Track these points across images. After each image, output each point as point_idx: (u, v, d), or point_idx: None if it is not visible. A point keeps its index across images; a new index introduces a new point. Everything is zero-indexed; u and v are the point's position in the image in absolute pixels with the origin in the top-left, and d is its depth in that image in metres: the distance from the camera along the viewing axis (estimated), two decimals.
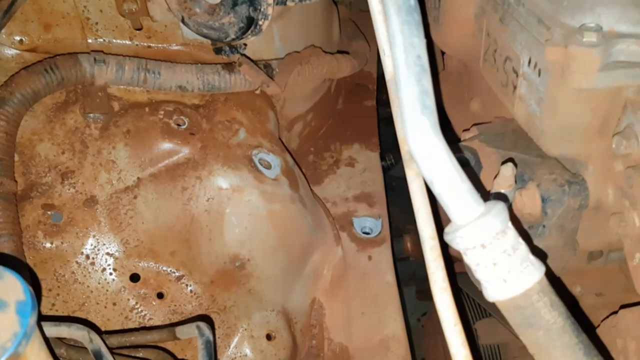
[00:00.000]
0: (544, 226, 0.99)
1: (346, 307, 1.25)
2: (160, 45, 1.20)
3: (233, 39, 1.01)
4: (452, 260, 1.22)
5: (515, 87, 1.02)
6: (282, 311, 1.19)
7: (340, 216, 1.39)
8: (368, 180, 1.48)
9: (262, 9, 0.95)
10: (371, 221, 1.39)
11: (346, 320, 1.24)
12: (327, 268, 1.28)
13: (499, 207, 0.65)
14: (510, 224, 0.66)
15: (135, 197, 1.08)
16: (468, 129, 1.22)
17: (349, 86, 1.69)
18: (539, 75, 0.92)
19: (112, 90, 1.13)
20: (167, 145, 1.09)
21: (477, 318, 1.60)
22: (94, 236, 1.06)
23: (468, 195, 0.65)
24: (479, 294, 1.56)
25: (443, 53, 1.77)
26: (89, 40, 1.16)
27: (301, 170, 1.28)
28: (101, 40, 1.17)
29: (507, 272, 0.65)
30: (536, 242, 0.99)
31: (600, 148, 0.96)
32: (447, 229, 0.68)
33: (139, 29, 1.17)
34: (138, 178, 1.08)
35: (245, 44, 1.08)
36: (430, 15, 1.34)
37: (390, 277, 1.29)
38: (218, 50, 1.10)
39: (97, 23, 1.15)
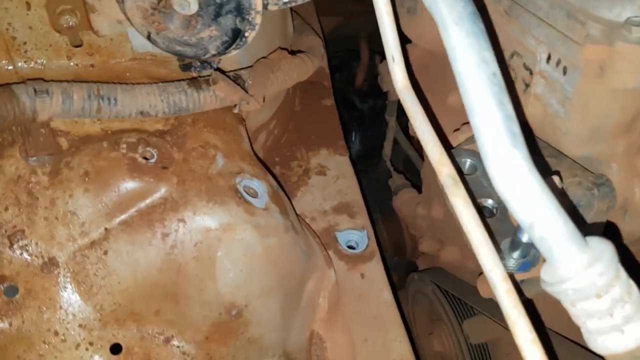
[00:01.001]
0: None
1: (347, 335, 1.14)
2: (105, 62, 1.00)
3: (213, 55, 0.85)
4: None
5: (527, 85, 0.93)
6: (284, 354, 1.05)
7: (321, 232, 1.27)
8: (343, 188, 1.36)
9: (249, 19, 0.78)
10: (356, 234, 1.28)
11: (349, 351, 1.13)
12: (323, 295, 1.15)
13: (610, 249, 0.55)
14: (619, 264, 0.56)
15: (105, 253, 0.89)
16: (458, 129, 1.14)
17: (303, 85, 1.55)
18: (565, 73, 0.84)
19: (55, 124, 0.93)
20: (137, 185, 0.90)
21: (462, 317, 1.54)
22: (60, 307, 0.87)
23: (574, 239, 0.55)
24: (461, 290, 1.49)
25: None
26: (18, 64, 0.94)
27: (282, 188, 1.14)
28: (32, 63, 0.95)
29: (624, 322, 0.55)
30: None
31: (624, 146, 0.90)
32: (546, 278, 0.58)
33: (79, 46, 0.97)
34: (106, 229, 0.90)
35: (220, 58, 0.91)
36: (403, 6, 1.23)
37: (387, 294, 1.19)
38: (186, 67, 0.92)
39: (25, 43, 0.93)
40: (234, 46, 0.82)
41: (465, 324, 1.51)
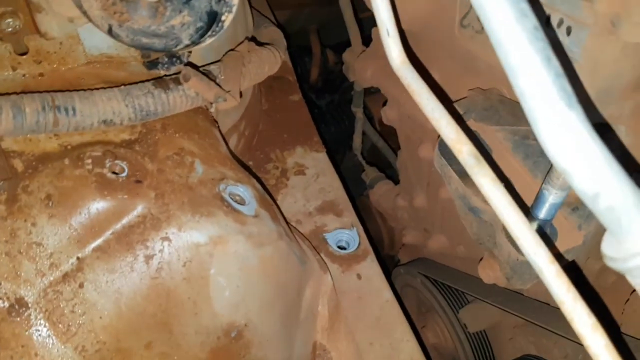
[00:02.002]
0: None
1: (351, 342, 1.05)
2: (56, 70, 0.88)
3: (187, 46, 0.74)
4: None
5: None
6: None
7: (309, 235, 1.18)
8: (325, 186, 1.27)
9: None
10: (345, 233, 1.20)
11: (356, 357, 1.05)
12: (322, 303, 1.06)
13: None
14: None
15: (80, 286, 0.77)
16: None
17: (267, 81, 1.45)
18: (568, 34, 0.78)
19: (6, 144, 0.81)
20: (109, 205, 0.79)
21: (456, 306, 1.48)
22: (36, 354, 0.74)
23: None
24: (452, 278, 1.42)
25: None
26: None
27: (267, 191, 1.04)
28: None
29: None
30: (585, 225, 0.86)
31: (632, 106, 0.86)
32: (613, 253, 0.51)
33: (24, 54, 0.84)
34: (78, 258, 0.78)
35: (190, 51, 0.81)
36: None
37: (387, 293, 1.11)
38: (152, 64, 0.81)
39: None
40: (209, 33, 0.72)
41: (461, 313, 1.45)
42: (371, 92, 1.95)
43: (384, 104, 1.45)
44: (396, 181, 1.80)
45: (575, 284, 0.57)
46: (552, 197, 0.78)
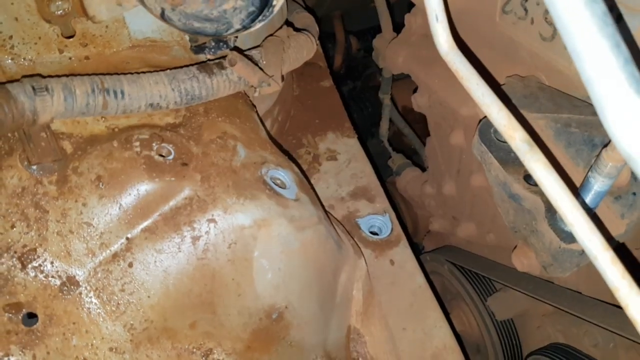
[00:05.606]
0: (634, 194, 0.86)
1: (385, 327, 1.06)
2: (101, 53, 0.89)
3: (237, 30, 0.75)
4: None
5: None
6: (325, 355, 0.97)
7: (342, 220, 1.19)
8: (357, 172, 1.28)
9: None
10: (378, 219, 1.20)
11: (389, 342, 1.06)
12: (356, 287, 1.07)
13: None
14: None
15: (130, 265, 0.79)
16: None
17: (298, 67, 1.46)
18: (618, 21, 0.78)
19: (55, 126, 0.82)
20: (157, 187, 0.80)
21: (484, 294, 1.49)
22: (87, 331, 0.76)
23: None
24: (481, 266, 1.42)
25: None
26: (5, 62, 0.82)
27: (305, 175, 1.05)
28: (21, 60, 0.84)
29: None
30: (628, 214, 0.86)
31: None
32: None
33: (71, 37, 0.85)
34: (127, 238, 0.79)
35: (237, 36, 0.81)
36: None
37: (420, 279, 1.12)
38: (199, 49, 0.82)
39: (11, 37, 0.82)
40: (260, 17, 0.73)
41: (490, 300, 1.45)
42: (394, 79, 1.95)
43: (415, 90, 1.45)
44: (421, 168, 1.80)
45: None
46: (597, 184, 0.77)
